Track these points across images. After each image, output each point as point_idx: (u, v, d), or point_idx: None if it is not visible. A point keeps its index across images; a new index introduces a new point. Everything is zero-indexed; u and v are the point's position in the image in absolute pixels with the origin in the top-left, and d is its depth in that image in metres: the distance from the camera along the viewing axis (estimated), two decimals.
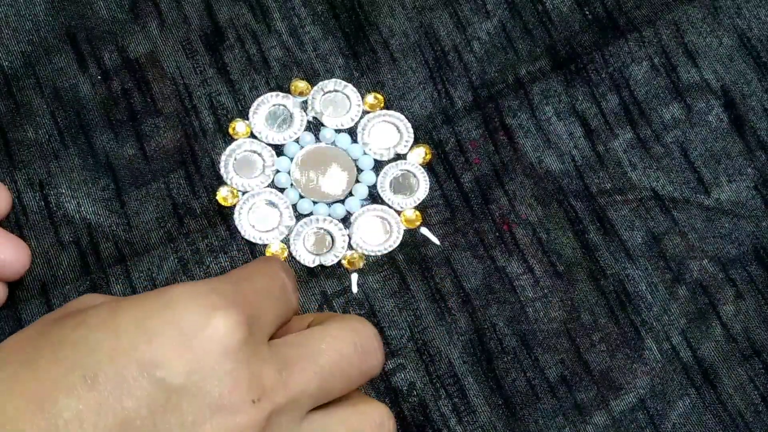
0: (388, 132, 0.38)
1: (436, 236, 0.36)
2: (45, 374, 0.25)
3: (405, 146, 0.38)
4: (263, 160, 0.37)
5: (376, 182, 0.37)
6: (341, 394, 0.29)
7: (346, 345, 0.29)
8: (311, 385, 0.27)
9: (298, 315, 0.33)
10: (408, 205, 0.37)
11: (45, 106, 0.37)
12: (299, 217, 0.37)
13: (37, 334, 0.27)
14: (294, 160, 0.37)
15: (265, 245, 0.36)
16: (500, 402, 0.35)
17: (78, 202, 0.36)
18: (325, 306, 0.36)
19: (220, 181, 0.37)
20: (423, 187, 0.37)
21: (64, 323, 0.27)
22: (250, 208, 0.37)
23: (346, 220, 0.37)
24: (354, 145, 0.38)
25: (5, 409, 0.25)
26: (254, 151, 0.37)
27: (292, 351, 0.28)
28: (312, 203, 0.37)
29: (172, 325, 0.26)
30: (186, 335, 0.26)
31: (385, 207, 0.37)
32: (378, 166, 0.37)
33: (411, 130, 0.38)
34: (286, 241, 0.36)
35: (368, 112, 0.38)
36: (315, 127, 0.38)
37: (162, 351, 0.26)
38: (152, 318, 0.26)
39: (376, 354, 0.30)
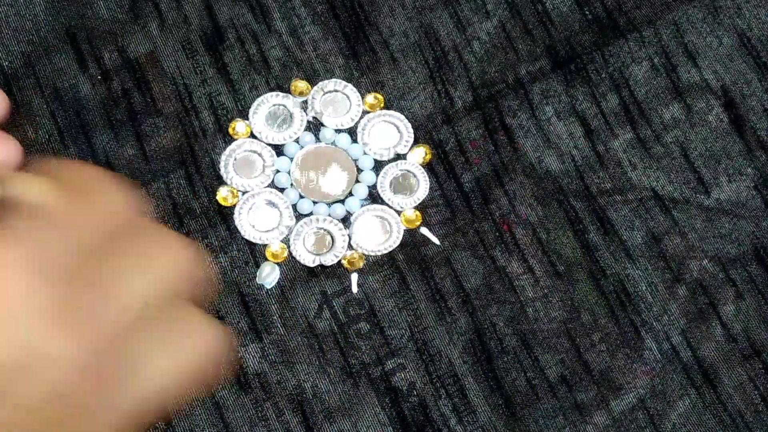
0: (388, 132, 0.38)
1: (436, 236, 0.36)
2: None
3: (405, 146, 0.38)
4: (263, 160, 0.37)
5: (376, 182, 0.37)
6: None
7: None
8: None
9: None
10: (408, 205, 0.37)
11: (45, 106, 0.37)
12: (299, 217, 0.37)
13: None
14: (294, 160, 0.37)
15: (265, 245, 0.36)
16: (500, 402, 0.35)
17: None
18: (325, 306, 0.36)
19: (220, 181, 0.37)
20: (423, 187, 0.37)
21: None
22: (250, 208, 0.37)
23: (346, 220, 0.37)
24: (354, 145, 0.38)
25: None
26: (254, 151, 0.37)
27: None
28: (312, 203, 0.37)
29: None
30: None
31: (385, 207, 0.37)
32: (378, 166, 0.37)
33: (411, 130, 0.38)
34: (286, 241, 0.36)
35: (368, 112, 0.38)
36: (315, 127, 0.38)
37: None
38: None
39: (196, 272, 0.27)
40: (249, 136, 0.37)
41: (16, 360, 0.23)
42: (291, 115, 0.38)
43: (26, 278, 0.24)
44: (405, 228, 0.37)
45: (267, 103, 0.38)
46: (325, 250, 0.36)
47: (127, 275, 0.26)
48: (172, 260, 0.27)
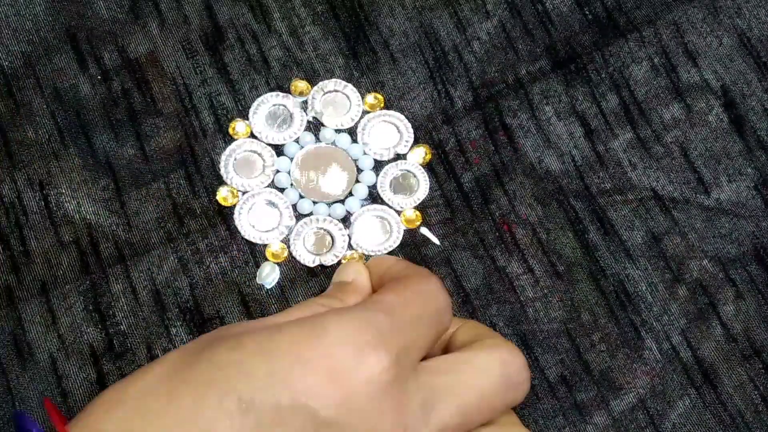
0: (388, 132, 0.38)
1: (436, 236, 0.36)
2: (201, 394, 0.25)
3: (405, 146, 0.38)
4: (263, 160, 0.37)
5: (376, 182, 0.37)
6: (482, 423, 0.29)
7: (494, 379, 0.29)
8: (453, 420, 0.27)
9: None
10: (408, 205, 0.37)
11: (45, 106, 0.37)
12: (299, 217, 0.37)
13: (194, 352, 0.27)
14: (294, 160, 0.37)
15: (265, 245, 0.36)
16: None
17: (78, 202, 0.36)
18: None
19: (220, 181, 0.37)
20: (423, 187, 0.37)
21: (220, 344, 0.27)
22: (250, 208, 0.37)
23: (346, 220, 0.37)
24: (354, 145, 0.38)
25: (163, 424, 0.25)
26: (254, 151, 0.37)
27: (438, 382, 0.28)
28: (312, 203, 0.37)
29: (326, 358, 0.26)
30: (339, 371, 0.26)
31: (385, 207, 0.37)
32: (378, 166, 0.37)
33: (411, 130, 0.38)
34: (286, 241, 0.36)
35: (368, 112, 0.38)
36: (315, 127, 0.38)
37: (315, 383, 0.26)
38: (307, 348, 0.26)
39: (523, 385, 0.30)
40: (249, 136, 0.37)
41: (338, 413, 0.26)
42: (291, 115, 0.38)
43: (355, 350, 0.26)
44: (405, 228, 0.37)
45: (267, 103, 0.38)
46: (325, 250, 0.36)
47: (447, 392, 0.28)
48: (498, 372, 0.29)
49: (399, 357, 0.27)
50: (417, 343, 0.28)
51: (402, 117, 0.38)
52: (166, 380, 0.26)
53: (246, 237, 0.36)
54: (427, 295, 0.30)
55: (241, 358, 0.26)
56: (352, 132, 0.38)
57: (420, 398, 0.27)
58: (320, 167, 0.37)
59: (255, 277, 0.36)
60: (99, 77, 0.38)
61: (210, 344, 0.27)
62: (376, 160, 0.37)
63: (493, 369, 0.29)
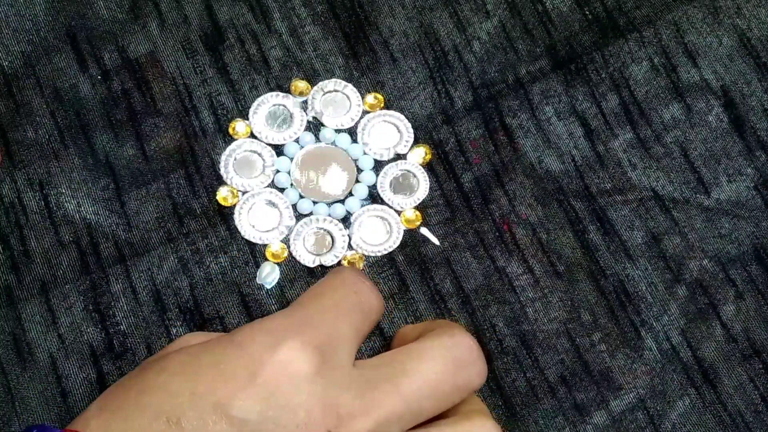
0: (388, 132, 0.38)
1: (436, 236, 0.36)
2: (133, 421, 0.26)
3: (405, 146, 0.38)
4: (263, 160, 0.37)
5: (376, 182, 0.37)
6: (437, 411, 0.28)
7: (438, 362, 0.28)
8: (398, 409, 0.27)
9: (411, 325, 0.33)
10: (408, 205, 0.37)
11: (45, 106, 0.37)
12: (299, 217, 0.37)
13: (128, 381, 0.28)
14: (294, 160, 0.37)
15: (265, 245, 0.36)
16: (500, 402, 0.35)
17: (78, 202, 0.36)
18: None
19: (220, 181, 0.37)
20: (423, 187, 0.37)
21: (148, 369, 0.28)
22: (250, 208, 0.37)
23: (346, 220, 0.37)
24: (354, 145, 0.38)
25: None
26: (254, 151, 0.37)
27: (376, 373, 0.28)
28: (312, 203, 0.37)
29: (242, 365, 0.26)
30: (256, 370, 0.26)
31: (385, 207, 0.37)
32: (378, 166, 0.37)
33: (411, 130, 0.38)
34: (286, 241, 0.36)
35: (368, 112, 0.38)
36: (315, 127, 0.38)
37: (236, 390, 0.26)
38: (225, 360, 0.27)
39: (475, 365, 0.29)
40: (249, 136, 0.37)
41: (274, 413, 0.26)
42: (291, 115, 0.38)
43: (268, 346, 0.27)
44: (405, 228, 0.37)
45: (267, 103, 0.38)
46: (325, 250, 0.36)
47: (398, 389, 0.28)
48: (443, 355, 0.29)
49: (321, 349, 0.27)
50: (339, 333, 0.28)
51: (402, 117, 0.38)
52: (103, 413, 0.27)
53: (246, 237, 0.36)
54: (341, 286, 0.30)
55: (166, 380, 0.27)
56: (352, 132, 0.38)
57: (356, 389, 0.27)
58: (320, 167, 0.37)
59: (255, 277, 0.36)
60: (99, 77, 0.38)
61: (141, 370, 0.28)
62: (376, 160, 0.37)
63: (436, 353, 0.29)
